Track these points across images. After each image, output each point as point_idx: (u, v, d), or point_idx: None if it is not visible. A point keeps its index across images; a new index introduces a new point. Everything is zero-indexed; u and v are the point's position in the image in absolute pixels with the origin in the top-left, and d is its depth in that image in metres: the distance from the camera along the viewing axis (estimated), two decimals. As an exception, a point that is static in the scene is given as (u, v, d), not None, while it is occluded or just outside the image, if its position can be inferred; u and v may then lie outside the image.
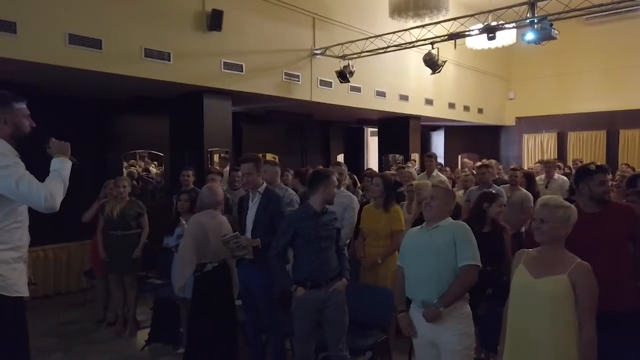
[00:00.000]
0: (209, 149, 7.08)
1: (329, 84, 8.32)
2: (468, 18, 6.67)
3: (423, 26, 6.99)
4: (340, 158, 13.33)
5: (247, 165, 3.71)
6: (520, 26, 6.25)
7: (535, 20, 5.82)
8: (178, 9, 6.21)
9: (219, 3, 6.49)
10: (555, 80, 12.59)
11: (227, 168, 6.92)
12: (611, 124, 11.88)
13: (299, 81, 7.80)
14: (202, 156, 7.02)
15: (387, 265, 4.14)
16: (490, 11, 6.52)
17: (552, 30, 5.66)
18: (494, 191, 4.42)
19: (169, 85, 6.28)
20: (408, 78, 10.11)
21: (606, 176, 2.85)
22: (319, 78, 8.17)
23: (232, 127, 7.46)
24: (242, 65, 6.91)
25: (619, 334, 2.50)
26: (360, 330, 3.65)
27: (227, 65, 6.76)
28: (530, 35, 5.84)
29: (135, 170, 8.48)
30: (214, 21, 6.43)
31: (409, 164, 9.01)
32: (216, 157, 7.18)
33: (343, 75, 7.75)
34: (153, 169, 8.88)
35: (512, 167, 6.60)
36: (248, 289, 3.72)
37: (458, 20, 6.70)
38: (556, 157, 12.32)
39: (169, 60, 6.03)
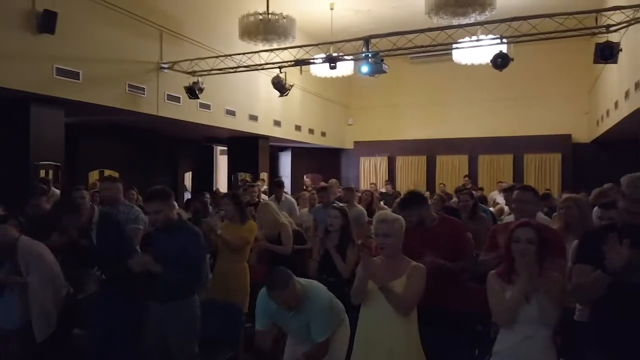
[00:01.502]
0: (36, 163, 6.33)
1: (177, 99, 8.12)
2: (312, 47, 7.20)
3: (271, 50, 7.33)
4: (188, 176, 13.00)
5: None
6: (357, 59, 6.96)
7: (370, 55, 6.54)
8: (2, 6, 5.50)
9: (52, 3, 5.93)
10: (386, 110, 14.14)
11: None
12: (430, 150, 13.74)
13: (144, 94, 7.47)
14: (26, 171, 6.23)
15: (237, 280, 4.21)
16: (331, 42, 7.15)
17: (383, 65, 6.43)
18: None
19: (-14, 88, 5.49)
20: (258, 99, 10.39)
21: None
22: (166, 92, 7.93)
23: (65, 139, 6.79)
24: (78, 72, 6.38)
25: (445, 332, 2.89)
26: (208, 347, 3.62)
27: (61, 72, 6.18)
28: (365, 68, 6.54)
29: None
30: (46, 23, 5.84)
31: (259, 183, 9.22)
32: (42, 173, 6.44)
33: (192, 92, 7.66)
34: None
35: (345, 187, 7.18)
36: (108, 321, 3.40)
37: (303, 48, 7.18)
38: (387, 178, 13.77)
39: (-12, 61, 5.30)
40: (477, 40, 6.97)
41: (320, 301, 2.83)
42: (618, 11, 5.19)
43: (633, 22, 5.16)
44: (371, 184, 12.93)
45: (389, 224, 2.54)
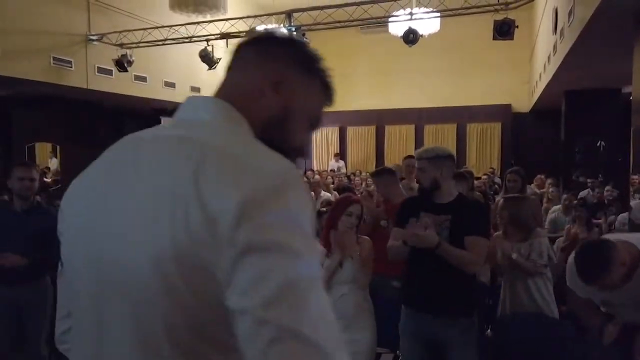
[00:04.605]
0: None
1: (109, 72, 8.09)
2: (237, 20, 7.23)
3: (198, 23, 7.34)
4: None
5: None
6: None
7: (293, 29, 6.65)
8: None
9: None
10: (337, 80, 14.02)
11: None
12: (379, 120, 13.99)
13: (71, 67, 7.43)
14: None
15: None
16: (255, 16, 7.19)
17: (304, 39, 6.54)
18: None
19: None
20: (199, 70, 10.32)
21: None
22: (96, 65, 7.89)
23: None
24: (-4, 45, 6.32)
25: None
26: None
27: (-23, 45, 6.12)
28: (287, 42, 6.65)
29: None
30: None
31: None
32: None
33: (121, 64, 7.65)
34: None
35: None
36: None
37: (230, 20, 7.20)
38: (337, 151, 14.00)
39: None
40: (389, 17, 7.11)
41: None
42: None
43: (530, -1, 5.40)
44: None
45: None
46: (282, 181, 0.65)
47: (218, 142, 0.69)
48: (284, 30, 6.63)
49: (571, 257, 2.01)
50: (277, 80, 0.81)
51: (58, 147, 10.59)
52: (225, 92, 0.82)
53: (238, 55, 0.86)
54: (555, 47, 6.04)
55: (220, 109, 0.78)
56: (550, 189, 6.21)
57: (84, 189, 0.79)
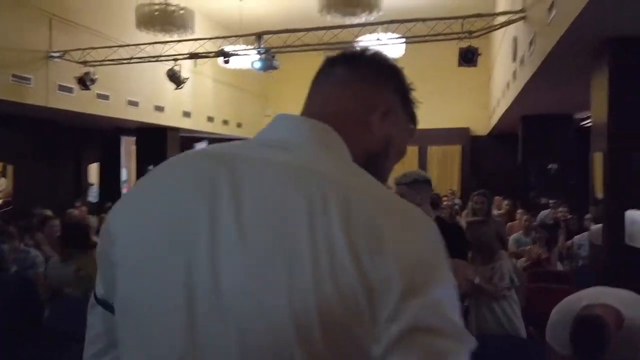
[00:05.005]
0: None
1: (69, 90, 7.83)
2: (206, 41, 7.21)
3: (165, 42, 7.27)
4: (95, 167, 12.54)
5: None
6: (250, 54, 7.08)
7: (262, 51, 6.69)
8: None
9: None
10: (303, 101, 14.34)
11: None
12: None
13: (30, 84, 7.16)
14: None
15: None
16: (224, 37, 7.20)
17: (274, 61, 6.60)
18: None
19: None
20: (164, 89, 10.18)
21: None
22: (57, 82, 7.63)
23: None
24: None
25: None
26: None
27: None
28: (257, 64, 6.69)
29: None
30: None
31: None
32: None
33: (83, 82, 7.43)
34: None
35: None
36: None
37: (198, 40, 7.18)
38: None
39: None
40: (357, 41, 7.30)
41: None
42: (479, 18, 5.71)
43: (492, 28, 5.69)
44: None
45: None
46: (441, 246, 0.57)
47: (350, 180, 0.59)
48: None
49: (555, 315, 2.01)
50: (386, 110, 0.72)
51: (11, 167, 10.10)
52: (320, 114, 0.69)
53: (333, 71, 0.74)
54: (515, 74, 6.35)
55: (331, 137, 0.67)
56: (518, 210, 6.47)
57: (154, 210, 0.63)
